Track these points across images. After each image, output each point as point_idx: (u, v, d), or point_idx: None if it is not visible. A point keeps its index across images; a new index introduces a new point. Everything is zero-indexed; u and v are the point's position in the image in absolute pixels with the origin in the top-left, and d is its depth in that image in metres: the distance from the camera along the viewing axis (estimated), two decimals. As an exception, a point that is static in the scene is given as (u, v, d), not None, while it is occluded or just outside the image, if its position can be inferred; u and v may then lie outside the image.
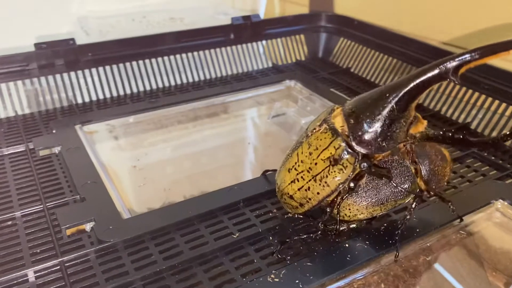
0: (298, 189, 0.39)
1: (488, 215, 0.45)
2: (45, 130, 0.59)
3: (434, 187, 0.40)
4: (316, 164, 0.38)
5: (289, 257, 0.39)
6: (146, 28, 0.95)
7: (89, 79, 0.68)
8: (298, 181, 0.39)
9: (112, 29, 0.94)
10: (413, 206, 0.40)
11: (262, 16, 1.09)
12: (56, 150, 0.54)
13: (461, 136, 0.37)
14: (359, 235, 0.40)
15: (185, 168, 0.63)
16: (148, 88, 0.71)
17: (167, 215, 0.43)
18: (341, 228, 0.40)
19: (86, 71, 0.68)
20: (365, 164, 0.36)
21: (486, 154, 0.54)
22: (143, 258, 0.39)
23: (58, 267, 0.38)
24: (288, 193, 0.40)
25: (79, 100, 0.67)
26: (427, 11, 0.74)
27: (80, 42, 0.70)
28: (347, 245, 0.39)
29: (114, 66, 0.70)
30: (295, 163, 0.39)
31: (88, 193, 0.46)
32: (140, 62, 0.72)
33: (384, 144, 0.36)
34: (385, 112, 0.35)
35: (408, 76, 0.35)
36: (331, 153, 0.37)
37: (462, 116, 0.62)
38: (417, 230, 0.41)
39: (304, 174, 0.39)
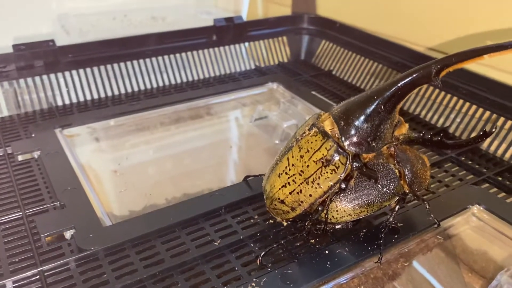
0: (290, 193, 0.40)
1: (465, 220, 0.46)
2: (24, 134, 0.58)
3: (416, 190, 0.42)
4: (308, 166, 0.38)
5: (270, 264, 0.39)
6: (128, 27, 0.94)
7: (69, 81, 0.67)
8: (289, 184, 0.40)
9: (93, 28, 0.93)
10: (396, 209, 0.41)
11: (245, 15, 1.10)
12: (36, 154, 0.54)
13: (439, 139, 0.39)
14: (339, 242, 0.41)
15: (167, 171, 0.63)
16: (129, 90, 0.71)
17: (148, 222, 0.43)
18: (327, 229, 0.41)
19: (67, 73, 0.67)
20: (357, 163, 0.38)
21: (463, 158, 0.55)
22: (124, 267, 0.39)
23: (38, 276, 0.38)
24: (279, 198, 0.41)
25: (59, 103, 0.66)
26: (410, 16, 0.75)
27: (61, 41, 0.69)
28: (327, 251, 0.40)
29: (95, 68, 0.69)
30: (286, 167, 0.40)
31: (68, 199, 0.46)
32: (122, 64, 0.71)
33: (373, 144, 0.37)
34: (374, 113, 0.37)
35: (394, 80, 0.37)
36: (323, 154, 0.38)
37: (441, 120, 0.63)
38: (397, 235, 0.42)
39: (295, 177, 0.39)
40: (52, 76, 0.66)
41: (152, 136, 0.66)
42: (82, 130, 0.61)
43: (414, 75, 0.36)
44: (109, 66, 0.70)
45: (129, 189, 0.54)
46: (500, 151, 0.56)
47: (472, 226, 0.46)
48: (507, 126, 0.56)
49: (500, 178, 0.52)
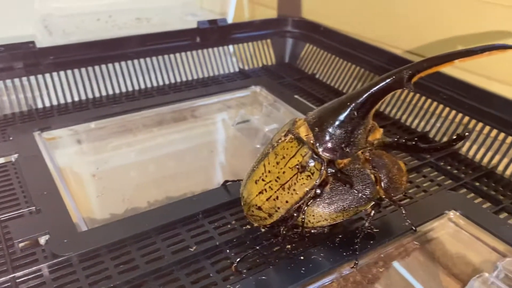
0: (267, 199, 0.40)
1: (442, 225, 0.46)
2: (1, 137, 0.58)
3: (392, 195, 0.42)
4: (284, 172, 0.38)
5: (245, 271, 0.39)
6: (112, 28, 0.93)
7: (49, 83, 0.67)
8: (266, 191, 0.40)
9: (77, 30, 0.92)
10: (372, 214, 0.42)
11: (231, 17, 1.10)
12: (13, 158, 0.53)
13: (413, 143, 0.40)
14: (315, 247, 0.41)
15: (149, 174, 0.62)
16: (111, 92, 0.70)
17: (124, 227, 0.43)
18: (304, 233, 0.41)
19: (47, 75, 0.66)
20: (331, 169, 0.38)
21: (442, 163, 0.55)
22: (98, 273, 0.38)
23: (9, 283, 0.37)
24: (256, 205, 0.41)
25: (39, 105, 0.65)
26: (394, 20, 0.75)
27: (43, 41, 0.68)
28: (302, 257, 0.40)
29: (76, 70, 0.68)
30: (262, 173, 0.40)
31: (44, 204, 0.45)
32: (103, 66, 0.70)
33: (347, 149, 0.38)
34: (347, 119, 0.37)
35: (366, 86, 0.37)
36: (298, 160, 0.38)
37: (422, 124, 0.63)
38: (373, 240, 0.42)
39: (272, 184, 0.39)
40: (32, 78, 0.66)
41: (134, 138, 0.66)
42: (63, 133, 0.61)
43: (386, 81, 0.36)
44: (90, 68, 0.70)
45: (108, 194, 0.54)
46: (478, 156, 0.56)
47: (448, 231, 0.46)
48: (485, 131, 0.57)
49: (477, 184, 0.52)
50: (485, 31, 0.61)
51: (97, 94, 0.69)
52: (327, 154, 0.37)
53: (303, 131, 0.39)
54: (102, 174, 0.57)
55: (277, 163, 0.39)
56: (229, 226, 0.44)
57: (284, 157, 0.38)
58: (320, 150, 0.37)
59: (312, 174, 0.37)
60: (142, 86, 0.73)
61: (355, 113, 0.37)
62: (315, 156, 0.37)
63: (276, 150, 0.39)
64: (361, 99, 0.37)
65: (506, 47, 0.37)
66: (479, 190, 0.51)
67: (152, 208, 0.53)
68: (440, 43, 0.68)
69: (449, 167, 0.55)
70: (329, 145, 0.37)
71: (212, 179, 0.64)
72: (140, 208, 0.54)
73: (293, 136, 0.39)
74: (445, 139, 0.60)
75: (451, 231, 0.46)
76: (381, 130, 0.41)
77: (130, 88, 0.72)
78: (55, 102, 0.66)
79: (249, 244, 0.42)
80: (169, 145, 0.68)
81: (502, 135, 0.55)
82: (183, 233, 0.43)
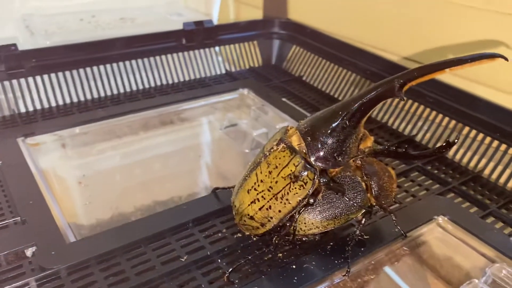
0: (259, 209, 0.39)
1: (431, 230, 0.47)
2: (-16, 143, 0.56)
3: (383, 202, 0.42)
4: (276, 182, 0.38)
5: (237, 281, 0.39)
6: (95, 29, 0.91)
7: (33, 87, 0.65)
8: (258, 201, 0.39)
9: (59, 30, 0.90)
10: (363, 222, 0.42)
11: (216, 16, 1.09)
12: (-4, 166, 0.52)
13: (404, 150, 0.40)
14: (306, 255, 0.41)
15: (135, 179, 0.61)
16: (95, 96, 0.69)
17: (114, 238, 0.42)
18: (295, 241, 0.41)
19: (30, 79, 0.65)
20: (324, 179, 0.38)
21: (429, 168, 0.56)
22: (88, 286, 0.38)
23: (-4, 298, 0.36)
24: (248, 214, 0.40)
25: (22, 110, 0.64)
26: (381, 23, 0.76)
27: (25, 42, 0.67)
28: (294, 266, 0.40)
29: (60, 73, 0.67)
30: (255, 183, 0.40)
31: (30, 214, 0.44)
32: (88, 68, 0.69)
33: (339, 158, 0.38)
34: (339, 128, 0.37)
35: (358, 95, 0.37)
36: (291, 170, 0.38)
37: (409, 127, 0.64)
38: (363, 247, 0.42)
39: (264, 194, 0.39)
40: (15, 81, 0.64)
41: (120, 143, 0.65)
42: (47, 139, 0.60)
43: (377, 90, 0.36)
44: (74, 71, 0.68)
45: (94, 201, 0.53)
46: (465, 160, 0.57)
47: (437, 236, 0.46)
48: (471, 135, 0.57)
49: (464, 188, 0.53)
50: (474, 39, 0.62)
51: (81, 98, 0.68)
52: (320, 164, 0.37)
53: (296, 140, 0.38)
54: (88, 180, 0.56)
55: (270, 172, 0.39)
56: (220, 234, 0.44)
57: (276, 167, 0.38)
58: (312, 159, 0.37)
59: (305, 183, 0.37)
60: (128, 89, 0.72)
61: (347, 122, 0.37)
62: (308, 165, 0.37)
63: (269, 159, 0.39)
64: (353, 108, 0.37)
65: (495, 56, 0.37)
66: (466, 194, 0.52)
67: (140, 213, 0.53)
68: (427, 45, 0.69)
69: (436, 171, 0.55)
70: (322, 154, 0.37)
71: (199, 183, 0.63)
72: (128, 214, 0.53)
73: (285, 145, 0.38)
74: (432, 142, 0.61)
75: (440, 236, 0.47)
76: (372, 138, 0.41)
77: (115, 91, 0.71)
78: (38, 107, 0.65)
79: (240, 253, 0.42)
80: (156, 149, 0.67)
81: (488, 139, 0.56)
82: (173, 242, 0.43)
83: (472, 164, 0.56)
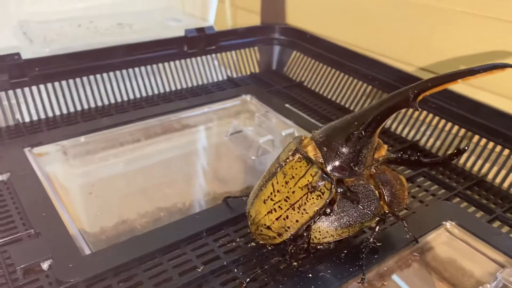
0: (276, 219, 0.40)
1: (439, 236, 0.48)
2: (-10, 154, 0.56)
3: (395, 209, 0.43)
4: (293, 192, 0.39)
5: (255, 291, 0.39)
6: (94, 35, 0.91)
7: (36, 96, 0.65)
8: (275, 211, 0.40)
9: (58, 36, 0.89)
10: (377, 229, 0.42)
11: (212, 21, 1.09)
12: (5, 177, 0.52)
13: (416, 158, 0.41)
14: (321, 264, 0.42)
15: (142, 189, 0.61)
16: (99, 104, 0.69)
17: (129, 249, 0.42)
18: (309, 250, 0.42)
19: (34, 88, 0.65)
20: (341, 189, 0.39)
21: (434, 173, 0.57)
22: (106, 298, 0.38)
23: (15, 313, 0.36)
24: (265, 224, 0.41)
25: (27, 119, 0.64)
26: (379, 28, 0.77)
27: (24, 50, 0.66)
28: (310, 275, 0.40)
29: (63, 82, 0.67)
30: (271, 193, 0.40)
31: (44, 226, 0.44)
32: (91, 76, 0.69)
33: (356, 168, 0.38)
34: (354, 138, 0.38)
35: (373, 105, 0.38)
36: (308, 180, 0.38)
37: (412, 132, 0.64)
38: (376, 255, 0.43)
39: (281, 204, 0.39)
40: (19, 91, 0.64)
41: (123, 151, 0.65)
42: (53, 148, 0.60)
43: (392, 101, 0.37)
44: (78, 80, 0.68)
45: (106, 211, 0.53)
46: (469, 165, 0.58)
47: (445, 241, 0.47)
48: (475, 140, 0.58)
49: (469, 192, 0.54)
50: (481, 48, 0.63)
51: (85, 106, 0.68)
52: (336, 173, 0.38)
53: (311, 150, 0.39)
54: (97, 190, 0.56)
55: (286, 182, 0.39)
56: (234, 244, 0.44)
57: (293, 177, 0.39)
58: (329, 169, 0.38)
59: (323, 193, 0.38)
60: (131, 97, 0.72)
61: (363, 133, 0.38)
62: (325, 175, 0.38)
63: (284, 169, 0.40)
64: (368, 118, 0.37)
65: (506, 66, 0.38)
66: (472, 199, 0.53)
67: (144, 220, 0.53)
68: (426, 50, 0.70)
69: (441, 176, 0.56)
70: (338, 164, 0.38)
71: (204, 189, 0.63)
72: (132, 221, 0.53)
73: (301, 156, 0.39)
74: (435, 147, 0.62)
75: (448, 241, 0.47)
76: (386, 146, 0.42)
77: (119, 99, 0.71)
78: (43, 116, 0.65)
79: (256, 262, 0.42)
80: (159, 155, 0.67)
81: (491, 144, 0.57)
82: (188, 252, 0.43)
83: (475, 168, 0.57)
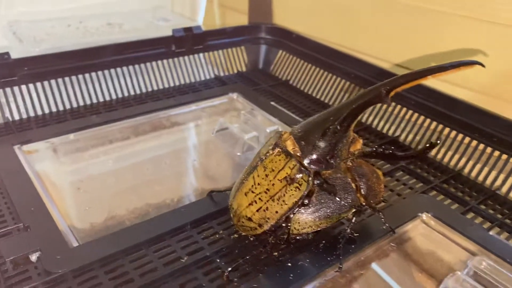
0: (257, 210, 0.42)
1: (415, 227, 0.50)
2: (-19, 151, 0.57)
3: (371, 201, 0.45)
4: (273, 184, 0.41)
5: (236, 279, 0.41)
6: (84, 35, 0.92)
7: (26, 95, 0.66)
8: (256, 202, 0.42)
9: (47, 36, 0.91)
10: (353, 220, 0.44)
11: (201, 21, 1.11)
12: (-5, 174, 0.53)
13: (391, 151, 0.43)
14: (300, 253, 0.43)
15: (131, 186, 0.63)
16: (88, 102, 0.71)
17: (116, 241, 0.44)
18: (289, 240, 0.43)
19: (23, 87, 0.66)
20: (318, 180, 0.40)
21: (412, 167, 0.59)
22: (94, 288, 0.40)
23: (5, 302, 0.38)
24: (246, 216, 0.43)
25: (16, 117, 0.65)
26: (364, 28, 0.79)
27: (14, 49, 0.67)
28: (290, 264, 0.42)
29: (53, 81, 0.68)
30: (252, 186, 0.42)
31: (33, 220, 0.46)
32: (80, 76, 0.70)
33: (332, 161, 0.40)
34: (330, 133, 0.40)
35: (347, 101, 0.40)
36: (287, 173, 0.40)
37: (392, 129, 0.66)
38: (354, 245, 0.45)
39: (262, 196, 0.41)
40: (8, 90, 0.65)
41: (112, 148, 0.66)
42: (43, 146, 0.61)
43: (366, 97, 0.39)
44: (67, 79, 0.69)
45: (94, 206, 0.54)
46: (446, 159, 0.60)
47: (421, 232, 0.49)
48: (452, 135, 0.60)
49: (446, 186, 0.56)
50: (455, 45, 0.65)
51: (74, 105, 0.69)
52: (313, 166, 0.40)
53: (290, 145, 0.41)
54: (86, 186, 0.57)
55: (266, 175, 0.41)
56: (217, 235, 0.46)
57: (273, 170, 0.41)
58: (306, 162, 0.40)
59: (300, 185, 0.40)
60: (120, 95, 0.73)
61: (338, 127, 0.40)
62: (302, 168, 0.40)
63: (265, 163, 0.41)
64: (343, 114, 0.39)
65: (473, 63, 0.40)
66: (448, 192, 0.55)
67: (133, 216, 0.55)
68: (408, 50, 0.72)
69: (419, 170, 0.58)
70: (315, 157, 0.40)
71: (192, 185, 0.65)
72: (122, 217, 0.55)
73: (280, 150, 0.41)
74: (414, 142, 0.64)
75: (424, 232, 0.49)
76: (361, 140, 0.43)
77: (107, 98, 0.72)
78: (32, 114, 0.66)
79: (238, 253, 0.44)
80: (149, 155, 0.68)
81: (467, 139, 0.59)
82: (173, 244, 0.44)
83: (452, 163, 0.59)
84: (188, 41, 0.80)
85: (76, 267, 0.41)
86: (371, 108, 0.68)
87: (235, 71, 0.85)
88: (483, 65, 0.40)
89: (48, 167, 0.59)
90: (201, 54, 0.82)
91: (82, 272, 0.41)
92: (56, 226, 0.45)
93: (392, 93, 0.39)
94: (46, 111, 0.67)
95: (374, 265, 0.46)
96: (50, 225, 0.45)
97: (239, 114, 0.71)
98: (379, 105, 0.68)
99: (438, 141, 0.40)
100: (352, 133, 0.42)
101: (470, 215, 0.51)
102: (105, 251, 0.42)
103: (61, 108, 0.68)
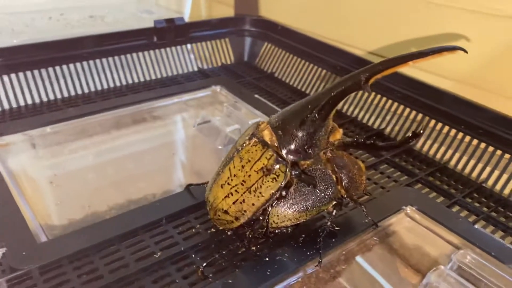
0: (233, 203, 0.40)
1: (399, 220, 0.48)
2: (-50, 144, 0.55)
3: (353, 194, 0.43)
4: (249, 176, 0.39)
5: (211, 275, 0.39)
6: (65, 28, 0.90)
7: (0, 86, 0.64)
8: (232, 195, 0.40)
9: (27, 28, 0.88)
10: (333, 213, 0.42)
11: (187, 14, 1.09)
12: (-37, 167, 0.51)
13: (372, 142, 0.41)
14: (279, 248, 0.42)
15: (108, 178, 0.61)
16: (66, 95, 0.68)
17: (86, 236, 0.42)
18: (268, 234, 0.42)
19: (-3, 78, 0.64)
20: (296, 171, 0.39)
21: (397, 160, 0.57)
22: (60, 285, 0.38)
23: (-34, 300, 0.36)
24: (222, 209, 0.41)
25: (-11, 109, 0.63)
26: (352, 20, 0.77)
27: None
28: (267, 258, 0.41)
29: (28, 72, 0.66)
30: (228, 177, 0.40)
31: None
32: (57, 67, 0.68)
33: (310, 151, 0.39)
34: (308, 122, 0.38)
35: (326, 89, 0.38)
36: (263, 164, 0.38)
37: (378, 122, 0.65)
38: (335, 238, 0.43)
39: (238, 188, 0.40)
40: (-19, 81, 0.63)
41: (91, 142, 0.64)
42: (16, 138, 0.59)
43: (344, 84, 0.37)
44: (43, 70, 0.67)
45: (67, 200, 0.52)
46: (431, 152, 0.59)
47: (405, 226, 0.48)
48: (437, 127, 0.59)
49: (431, 179, 0.54)
50: (437, 33, 0.64)
51: (51, 97, 0.67)
52: (291, 156, 0.38)
53: (267, 135, 0.39)
54: (60, 180, 0.55)
55: (243, 166, 0.39)
56: (193, 230, 0.44)
57: (249, 161, 0.39)
58: (284, 152, 0.38)
59: (278, 176, 0.38)
60: (99, 88, 0.71)
61: (316, 116, 0.38)
62: (279, 158, 0.38)
63: (241, 154, 0.40)
64: (321, 102, 0.38)
65: (455, 48, 0.38)
66: (433, 185, 0.53)
67: (114, 212, 0.53)
68: (394, 40, 0.70)
69: (404, 163, 0.57)
70: (292, 147, 0.38)
71: (173, 180, 0.63)
72: (102, 213, 0.53)
73: (257, 140, 0.39)
74: (400, 135, 0.62)
75: (408, 225, 0.48)
76: (341, 130, 0.42)
77: (86, 90, 0.70)
78: (6, 106, 0.64)
79: (214, 248, 0.42)
80: (129, 147, 0.67)
81: (453, 131, 0.57)
82: (147, 239, 0.43)
83: (438, 155, 0.58)
84: (170, 32, 0.78)
85: (44, 263, 0.39)
86: (354, 99, 0.67)
87: (219, 63, 0.83)
88: (465, 51, 0.39)
89: (22, 161, 0.57)
90: (183, 46, 0.80)
91: (50, 269, 0.39)
92: (24, 222, 0.43)
93: (371, 80, 0.38)
94: (22, 103, 0.65)
95: (357, 259, 0.44)
96: (18, 220, 0.43)
97: (221, 107, 0.69)
98: (365, 96, 0.67)
99: (422, 131, 0.39)
100: (332, 122, 0.40)
101: (455, 208, 0.50)
102: (74, 247, 0.41)
103: (37, 100, 0.66)
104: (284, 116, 0.39)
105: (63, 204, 0.52)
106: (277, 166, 0.38)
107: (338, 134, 0.41)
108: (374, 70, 0.37)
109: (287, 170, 0.38)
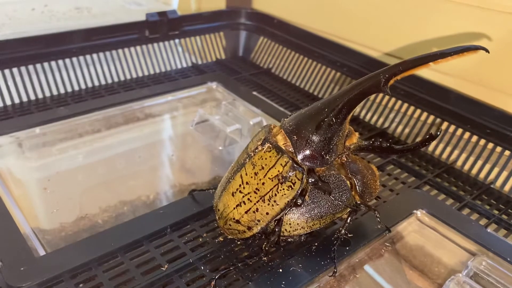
0: (246, 212, 0.38)
1: (410, 225, 0.47)
2: None
3: (367, 200, 0.41)
4: (263, 183, 0.37)
5: (223, 288, 0.37)
6: (50, 20, 0.86)
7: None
8: (244, 203, 0.38)
9: (9, 21, 0.84)
10: (348, 220, 0.41)
11: (176, 6, 1.05)
12: (-51, 173, 0.48)
13: (388, 145, 0.39)
14: (292, 258, 0.40)
15: (101, 181, 0.58)
16: (55, 93, 0.65)
17: (87, 248, 0.39)
18: (280, 243, 0.40)
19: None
20: (312, 178, 0.37)
21: (403, 160, 0.56)
22: (63, 303, 0.35)
23: (-40, 323, 0.33)
24: (234, 218, 0.39)
25: (-26, 109, 0.59)
26: (347, 13, 0.75)
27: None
28: (281, 270, 0.39)
29: (15, 69, 0.62)
30: (240, 185, 0.38)
31: (-8, 226, 0.41)
32: (45, 63, 0.65)
33: (327, 157, 0.37)
34: (325, 126, 0.36)
35: (343, 91, 0.36)
36: (278, 171, 0.36)
37: (381, 120, 0.64)
38: (348, 246, 0.42)
39: (251, 196, 0.38)
40: (-36, 79, 0.59)
41: (82, 142, 0.61)
42: (5, 141, 0.55)
43: (363, 86, 0.35)
44: (31, 67, 0.64)
45: (63, 208, 0.49)
46: (437, 152, 0.57)
47: (417, 230, 0.47)
48: (443, 126, 0.58)
49: (439, 180, 0.53)
50: (436, 30, 0.62)
51: (40, 95, 0.64)
52: (307, 163, 0.36)
53: (281, 140, 0.37)
54: (51, 183, 0.52)
55: (256, 173, 0.37)
56: (200, 239, 0.42)
57: (262, 168, 0.37)
58: (300, 158, 0.36)
59: (294, 184, 0.36)
60: (90, 85, 0.68)
61: (333, 119, 0.36)
62: (295, 165, 0.36)
63: (253, 160, 0.37)
64: (339, 105, 0.36)
65: (477, 48, 0.37)
66: (441, 186, 0.52)
67: (106, 215, 0.50)
68: (393, 36, 0.69)
69: (410, 164, 0.56)
70: (309, 153, 0.36)
71: (169, 182, 0.61)
72: (94, 216, 0.50)
73: (271, 145, 0.37)
74: (404, 134, 0.61)
75: (420, 230, 0.47)
76: (357, 134, 0.40)
77: (76, 88, 0.67)
78: (-8, 106, 0.60)
79: (224, 258, 0.40)
80: (122, 147, 0.64)
81: (459, 130, 0.56)
82: (152, 250, 0.40)
83: (444, 156, 0.57)
84: (163, 26, 0.75)
85: (43, 279, 0.36)
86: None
87: (214, 58, 0.80)
88: (487, 51, 0.37)
89: (11, 164, 0.54)
90: (177, 41, 0.77)
91: (50, 285, 0.36)
92: (19, 232, 0.41)
93: (391, 82, 0.36)
94: (8, 102, 0.61)
95: (369, 267, 0.43)
96: (12, 231, 0.41)
97: (218, 104, 0.67)
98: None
99: (438, 133, 0.37)
100: (348, 125, 0.38)
101: (465, 211, 0.49)
102: (75, 260, 0.38)
103: (25, 99, 0.63)
104: (298, 119, 0.37)
105: (59, 212, 0.49)
106: (293, 173, 0.36)
107: (354, 138, 0.40)
108: (394, 71, 0.35)
109: (304, 177, 0.36)
